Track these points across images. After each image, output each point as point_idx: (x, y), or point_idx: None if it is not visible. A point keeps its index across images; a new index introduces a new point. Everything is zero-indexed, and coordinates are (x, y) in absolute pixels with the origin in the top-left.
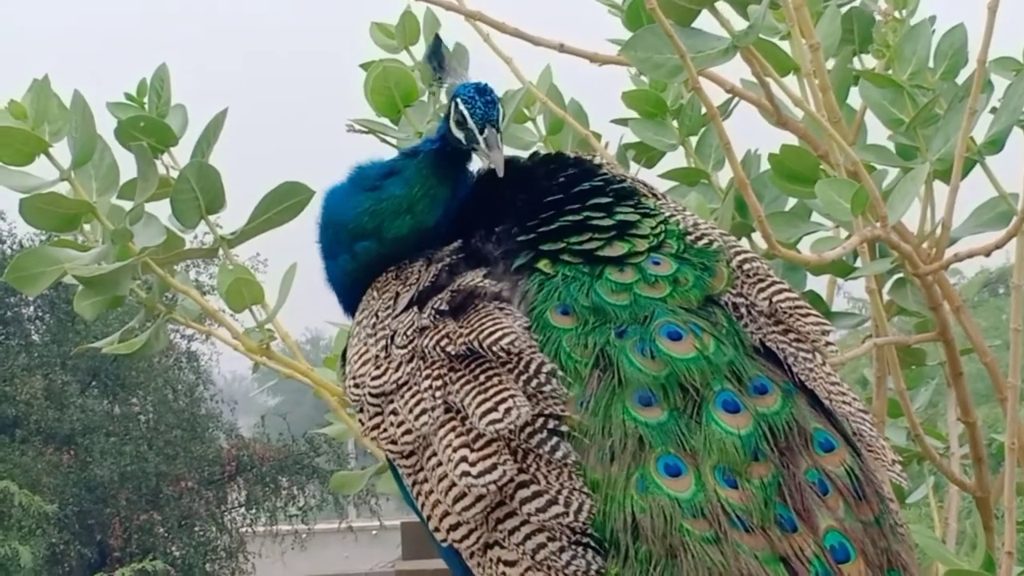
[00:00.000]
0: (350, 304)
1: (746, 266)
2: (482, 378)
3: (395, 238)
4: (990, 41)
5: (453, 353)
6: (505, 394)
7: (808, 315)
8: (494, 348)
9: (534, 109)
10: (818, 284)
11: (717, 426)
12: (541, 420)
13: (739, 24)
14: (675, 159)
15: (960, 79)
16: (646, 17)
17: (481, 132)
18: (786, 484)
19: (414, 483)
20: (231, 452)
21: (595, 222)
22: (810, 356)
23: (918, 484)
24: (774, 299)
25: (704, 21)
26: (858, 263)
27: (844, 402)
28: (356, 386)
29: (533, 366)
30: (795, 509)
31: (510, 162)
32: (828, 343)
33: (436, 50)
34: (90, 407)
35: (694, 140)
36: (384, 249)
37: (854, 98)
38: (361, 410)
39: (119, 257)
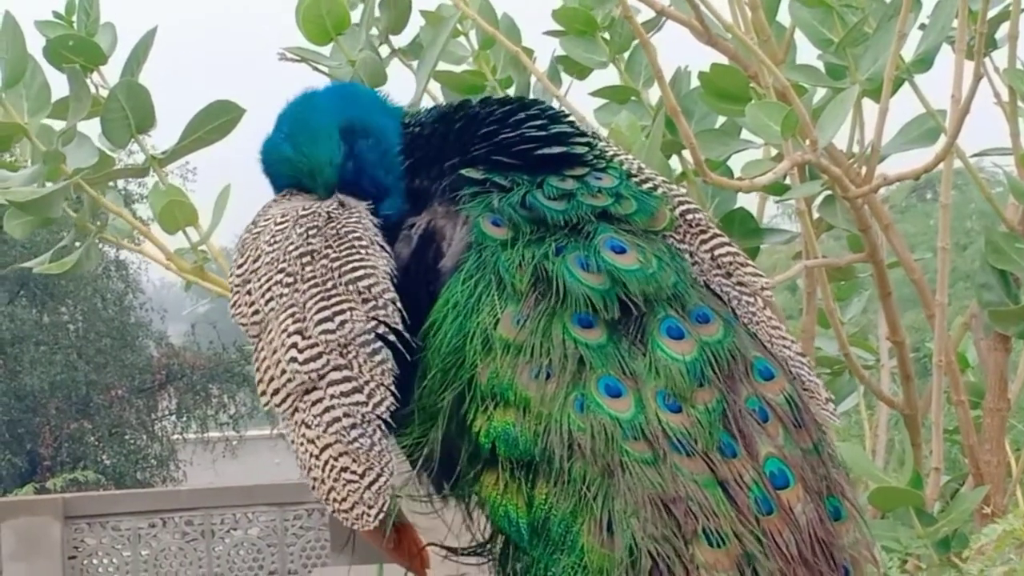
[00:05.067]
0: (273, 180)
1: (689, 216)
2: (329, 284)
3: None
4: None
5: (310, 276)
6: (344, 306)
7: (746, 265)
8: (350, 287)
9: (467, 24)
10: (748, 199)
11: (663, 352)
12: (373, 323)
13: None
14: (606, 76)
15: None
16: None
17: None
18: (729, 410)
19: (254, 352)
20: (161, 360)
21: (531, 134)
22: (752, 301)
23: (849, 392)
24: (716, 252)
25: None
26: (788, 181)
27: (784, 346)
28: (230, 276)
29: (376, 290)
30: (736, 435)
31: (457, 105)
32: (764, 287)
33: None
34: (19, 316)
35: (625, 55)
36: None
37: (785, 15)
38: (230, 294)
39: (49, 178)
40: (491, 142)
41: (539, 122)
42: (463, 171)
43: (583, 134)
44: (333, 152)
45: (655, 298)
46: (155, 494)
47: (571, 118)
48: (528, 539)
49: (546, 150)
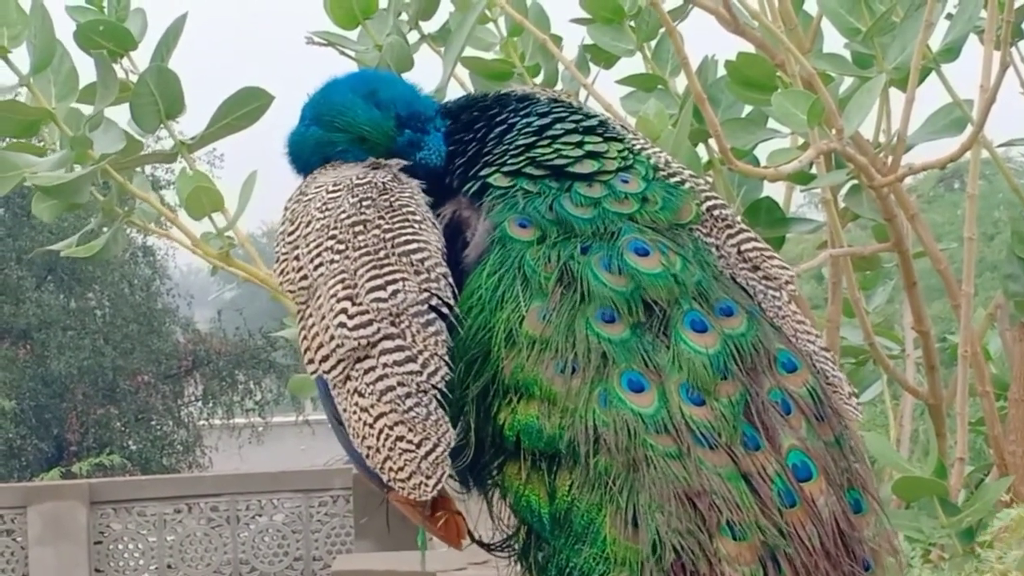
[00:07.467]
0: (302, 169)
1: (716, 211)
2: (381, 254)
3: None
4: None
5: (362, 244)
6: (397, 276)
7: (773, 259)
8: (403, 259)
9: (496, 11)
10: (775, 189)
11: (686, 345)
12: (425, 295)
13: None
14: (633, 64)
15: None
16: None
17: None
18: (752, 403)
19: (300, 319)
20: (188, 346)
21: (566, 152)
22: (778, 294)
23: (873, 381)
24: (742, 246)
25: None
26: (814, 170)
27: (809, 341)
28: (278, 244)
29: (429, 263)
30: (759, 428)
31: (496, 100)
32: (789, 281)
33: None
34: (46, 302)
35: (652, 43)
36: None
37: (812, 4)
38: (277, 261)
39: (77, 162)
40: (525, 156)
41: (574, 138)
42: (490, 179)
43: (615, 139)
44: (367, 114)
45: (679, 297)
46: (181, 480)
47: (604, 126)
48: (550, 529)
49: (578, 168)
